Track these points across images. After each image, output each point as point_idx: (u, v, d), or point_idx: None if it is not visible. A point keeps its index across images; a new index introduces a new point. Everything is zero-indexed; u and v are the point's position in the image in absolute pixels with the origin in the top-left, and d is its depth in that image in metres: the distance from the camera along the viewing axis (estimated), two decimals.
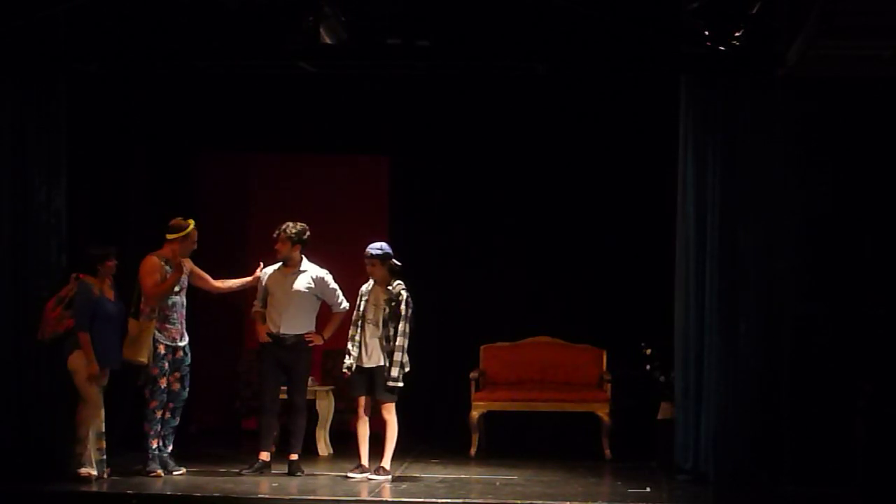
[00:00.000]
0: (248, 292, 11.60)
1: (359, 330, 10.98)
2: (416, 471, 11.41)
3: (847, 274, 10.95)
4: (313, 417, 12.20)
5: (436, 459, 12.06)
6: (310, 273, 11.27)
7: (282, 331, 11.19)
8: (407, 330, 10.90)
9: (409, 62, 11.45)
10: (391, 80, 12.70)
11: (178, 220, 11.01)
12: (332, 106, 13.41)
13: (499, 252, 13.67)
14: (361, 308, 11.01)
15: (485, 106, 13.33)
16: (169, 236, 10.97)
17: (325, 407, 12.49)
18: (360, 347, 10.96)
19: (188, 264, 11.04)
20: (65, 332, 10.65)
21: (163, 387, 10.91)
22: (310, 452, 11.91)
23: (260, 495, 10.25)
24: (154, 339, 10.84)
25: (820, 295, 10.95)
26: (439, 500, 10.02)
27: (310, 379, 11.61)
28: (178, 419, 11.11)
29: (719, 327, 10.92)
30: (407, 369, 10.93)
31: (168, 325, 10.92)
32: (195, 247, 11.03)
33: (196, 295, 11.54)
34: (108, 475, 10.67)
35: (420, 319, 11.64)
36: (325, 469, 11.54)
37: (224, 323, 13.64)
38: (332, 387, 12.64)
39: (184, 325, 11.06)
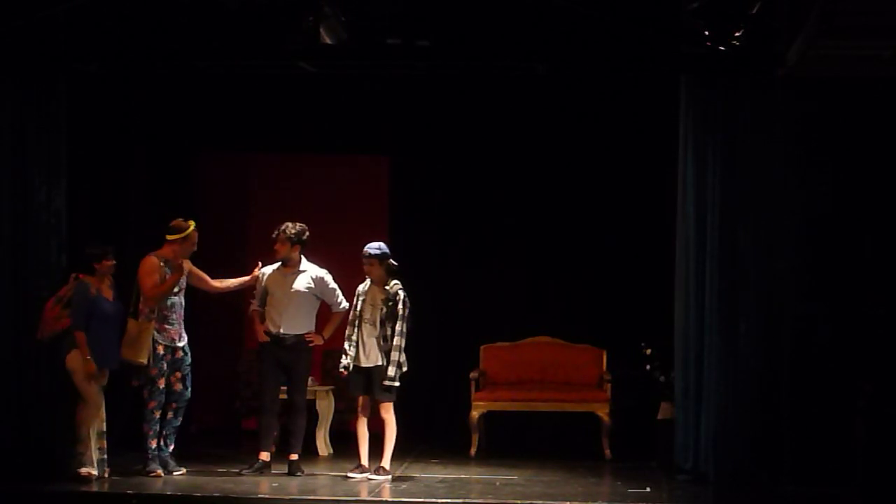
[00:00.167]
0: (248, 292, 11.60)
1: (356, 330, 10.99)
2: (416, 471, 11.41)
3: (847, 274, 10.95)
4: (313, 417, 12.20)
5: (436, 459, 12.06)
6: (309, 273, 11.27)
7: (282, 331, 11.20)
8: (404, 330, 10.91)
9: (409, 62, 11.45)
10: (391, 80, 12.70)
11: (179, 221, 11.01)
12: (332, 106, 13.41)
13: (499, 252, 13.67)
14: (358, 308, 11.01)
15: (485, 106, 13.33)
16: (169, 237, 10.97)
17: (325, 407, 12.49)
18: (357, 347, 10.97)
19: (186, 264, 11.03)
20: (63, 332, 10.67)
21: (161, 387, 10.90)
22: (310, 452, 11.91)
23: (260, 495, 10.26)
24: (153, 339, 10.84)
25: (820, 295, 10.95)
26: (439, 500, 10.02)
27: (310, 379, 11.62)
28: (180, 419, 11.12)
29: (719, 327, 10.92)
30: (405, 369, 10.93)
31: (167, 326, 10.92)
32: (195, 248, 11.03)
33: (196, 295, 11.54)
34: (109, 475, 10.68)
35: (420, 319, 11.65)
36: (325, 469, 11.54)
37: (224, 323, 13.64)
38: (332, 387, 12.64)
39: (182, 326, 11.06)
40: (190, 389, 11.09)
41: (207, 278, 11.29)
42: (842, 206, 10.97)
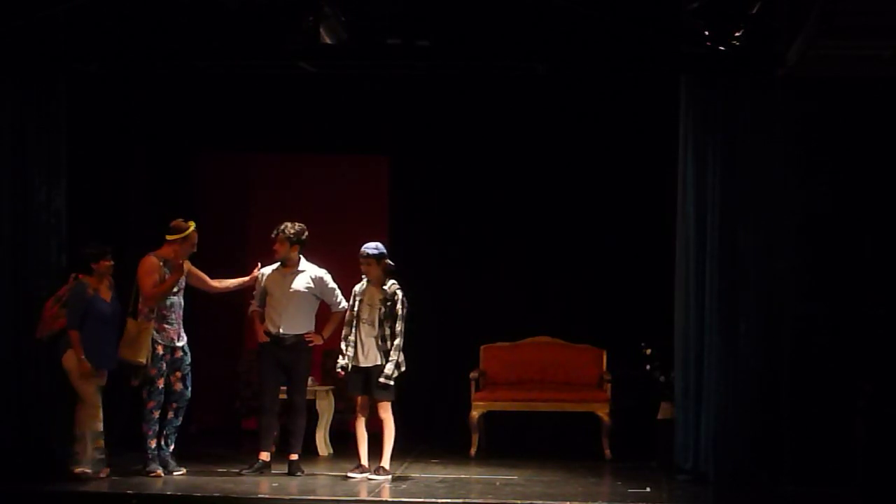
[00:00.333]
0: (248, 292, 11.60)
1: (353, 330, 11.00)
2: (416, 471, 11.41)
3: (847, 274, 10.95)
4: (313, 417, 12.19)
5: (436, 459, 12.06)
6: (308, 273, 11.27)
7: (281, 331, 11.20)
8: (403, 329, 10.91)
9: (409, 62, 11.46)
10: (391, 80, 12.70)
11: (179, 222, 11.01)
12: (332, 106, 13.41)
13: (499, 252, 13.66)
14: (356, 308, 11.02)
15: (485, 106, 13.32)
16: (169, 237, 10.97)
17: (325, 407, 12.49)
18: (355, 347, 10.97)
19: (186, 265, 11.03)
20: (60, 331, 10.69)
21: (160, 387, 10.91)
22: (310, 452, 11.91)
23: (260, 495, 10.26)
24: (152, 339, 10.84)
25: (820, 295, 10.95)
26: (439, 500, 10.02)
27: (310, 379, 11.62)
28: (181, 419, 11.12)
29: (719, 327, 10.92)
30: (403, 369, 10.94)
31: (166, 326, 10.92)
32: (195, 249, 11.03)
33: (196, 295, 11.54)
34: (108, 475, 10.67)
35: (420, 319, 11.65)
36: (325, 469, 11.54)
37: (224, 323, 13.63)
38: (331, 387, 12.64)
39: (181, 326, 11.06)
40: (190, 389, 11.09)
41: (207, 278, 11.29)
42: (842, 206, 10.97)
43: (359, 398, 11.04)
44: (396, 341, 10.88)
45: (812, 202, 10.96)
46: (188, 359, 11.08)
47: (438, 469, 11.60)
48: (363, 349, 10.96)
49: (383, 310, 10.92)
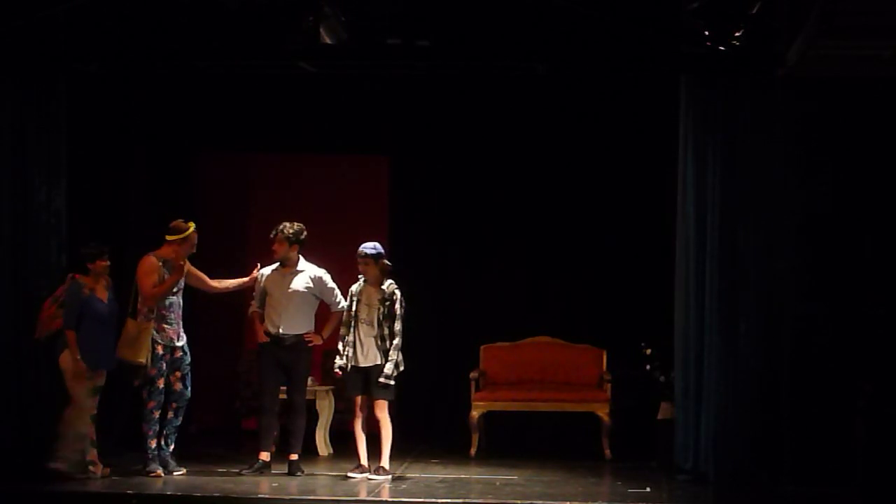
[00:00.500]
0: (248, 293, 11.60)
1: (351, 330, 11.00)
2: (416, 471, 11.41)
3: (847, 274, 10.95)
4: (313, 417, 12.19)
5: (436, 459, 12.06)
6: (308, 273, 11.27)
7: (281, 331, 11.20)
8: (402, 329, 10.92)
9: (409, 62, 11.45)
10: (391, 80, 12.70)
11: (179, 223, 11.00)
12: (332, 106, 13.41)
13: (499, 252, 13.66)
14: (353, 308, 11.02)
15: (485, 106, 13.33)
16: (168, 237, 10.97)
17: (325, 407, 12.49)
18: (354, 347, 10.97)
19: (185, 265, 11.02)
20: (58, 331, 10.69)
21: (161, 387, 10.91)
22: (310, 452, 11.91)
23: (260, 495, 10.26)
24: (152, 339, 10.84)
25: (820, 295, 10.95)
26: (439, 500, 10.02)
27: (309, 379, 11.62)
28: (181, 418, 11.11)
29: (719, 327, 10.92)
30: (402, 368, 10.94)
31: (165, 326, 10.92)
32: (194, 250, 11.03)
33: (196, 295, 11.54)
34: (109, 475, 10.67)
35: (420, 319, 11.65)
36: (325, 469, 11.54)
37: (224, 323, 13.63)
38: (331, 387, 12.63)
39: (181, 325, 11.06)
40: (190, 389, 11.09)
41: (206, 279, 11.29)
42: (842, 206, 10.96)
43: (358, 398, 11.04)
44: (396, 341, 10.89)
45: (812, 202, 10.96)
46: (188, 359, 11.08)
47: (438, 469, 11.60)
48: (363, 349, 10.96)
49: (382, 310, 10.93)
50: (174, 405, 11.03)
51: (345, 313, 11.10)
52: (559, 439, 12.91)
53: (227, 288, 11.47)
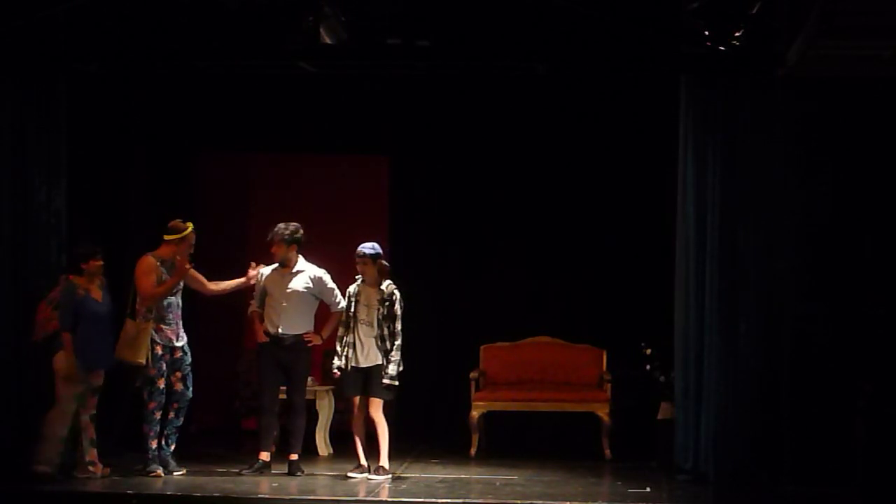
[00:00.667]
0: (249, 293, 11.59)
1: (349, 331, 11.00)
2: (416, 471, 11.41)
3: (847, 274, 10.95)
4: (313, 417, 12.19)
5: (436, 459, 12.06)
6: (307, 273, 11.27)
7: (280, 331, 11.20)
8: (401, 328, 10.93)
9: (409, 62, 11.45)
10: (391, 80, 12.70)
11: (177, 222, 11.00)
12: (332, 106, 13.41)
13: (499, 252, 13.66)
14: (352, 309, 11.02)
15: (485, 106, 13.33)
16: (166, 237, 10.97)
17: (325, 407, 12.49)
18: (353, 348, 10.97)
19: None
20: (54, 333, 10.68)
21: (161, 387, 10.90)
22: (310, 452, 11.91)
23: (260, 495, 10.26)
24: (151, 339, 10.84)
25: (820, 295, 10.95)
26: (439, 500, 10.02)
27: (309, 379, 11.62)
28: (181, 419, 11.11)
29: (719, 327, 10.92)
30: (401, 368, 10.94)
31: (164, 326, 10.91)
32: (192, 250, 11.02)
33: (196, 295, 11.53)
34: (109, 475, 10.66)
35: (420, 319, 11.65)
36: (325, 469, 11.54)
37: (224, 323, 13.62)
38: (331, 387, 12.62)
39: (180, 325, 11.05)
40: (191, 389, 11.09)
41: (204, 280, 11.26)
42: (842, 206, 10.96)
43: (356, 399, 11.04)
44: (397, 341, 10.90)
45: (812, 202, 10.96)
46: (188, 359, 11.08)
47: (438, 469, 11.60)
48: (363, 349, 10.96)
49: (382, 310, 10.93)
50: (175, 405, 11.03)
51: (343, 314, 11.10)
52: (559, 439, 12.91)
53: (225, 290, 11.45)
